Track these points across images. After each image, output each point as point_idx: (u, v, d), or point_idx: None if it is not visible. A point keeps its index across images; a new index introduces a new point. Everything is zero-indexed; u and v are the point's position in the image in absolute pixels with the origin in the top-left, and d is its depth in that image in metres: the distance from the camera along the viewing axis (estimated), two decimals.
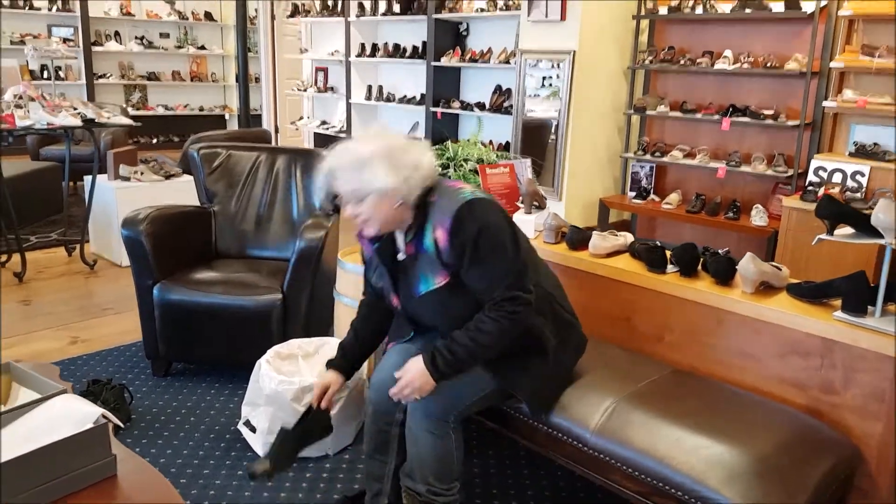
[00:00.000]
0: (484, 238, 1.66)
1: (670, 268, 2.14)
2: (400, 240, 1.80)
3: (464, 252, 1.67)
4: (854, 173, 3.91)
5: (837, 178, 3.96)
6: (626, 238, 2.35)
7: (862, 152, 3.97)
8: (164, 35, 8.94)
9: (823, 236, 1.80)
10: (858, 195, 3.83)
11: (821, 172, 4.01)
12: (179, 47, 8.95)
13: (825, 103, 4.09)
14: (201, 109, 9.18)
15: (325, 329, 3.01)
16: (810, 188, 3.93)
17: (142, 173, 4.37)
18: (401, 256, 1.81)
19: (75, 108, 3.86)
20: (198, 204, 3.28)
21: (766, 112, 4.32)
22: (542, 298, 1.79)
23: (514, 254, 1.70)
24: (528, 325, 1.75)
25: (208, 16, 9.01)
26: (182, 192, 4.17)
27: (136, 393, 2.81)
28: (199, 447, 2.48)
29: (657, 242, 2.22)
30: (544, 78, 4.78)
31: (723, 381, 1.97)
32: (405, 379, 1.72)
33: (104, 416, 1.43)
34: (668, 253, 2.17)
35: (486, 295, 1.69)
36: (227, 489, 2.25)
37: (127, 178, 4.37)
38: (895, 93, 3.86)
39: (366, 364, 2.49)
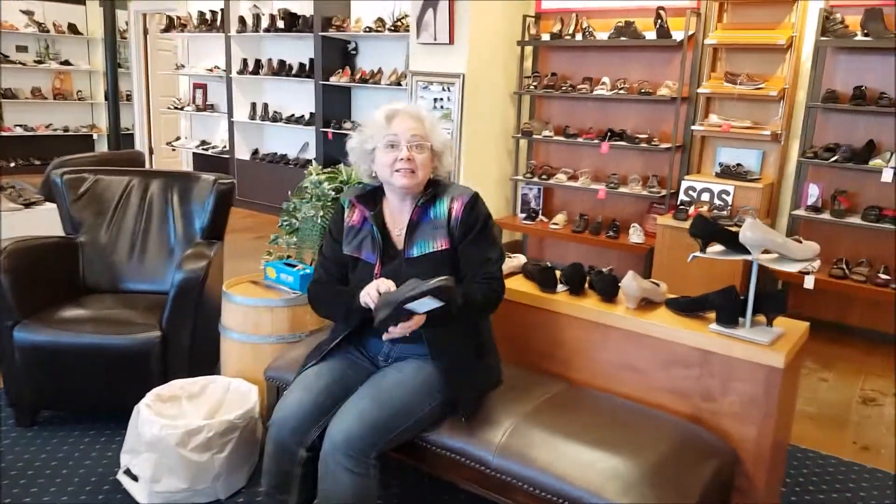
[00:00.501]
0: (489, 224, 1.93)
1: (560, 287, 2.20)
2: (407, 207, 1.93)
3: (474, 226, 1.89)
4: (720, 192, 4.22)
5: (706, 196, 4.25)
6: (520, 259, 2.40)
7: (727, 173, 4.29)
8: (22, 48, 8.24)
9: (697, 254, 1.92)
10: (725, 213, 4.13)
11: (691, 192, 4.30)
12: (40, 62, 8.28)
13: (693, 127, 4.41)
14: (66, 130, 8.52)
15: (211, 367, 2.84)
16: (682, 207, 4.20)
17: None
18: (398, 232, 1.93)
19: None
20: (63, 234, 3.03)
21: (641, 136, 4.59)
22: None
23: (500, 244, 1.99)
24: (482, 324, 1.96)
25: (73, 28, 8.40)
26: (45, 222, 3.81)
27: None
28: (75, 502, 2.26)
29: (547, 263, 2.28)
30: (436, 100, 4.84)
31: (613, 394, 2.04)
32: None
33: None
34: (557, 273, 2.23)
35: (476, 269, 1.87)
36: None
37: None
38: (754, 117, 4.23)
39: (257, 403, 2.38)
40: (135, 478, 2.28)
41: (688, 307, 2.00)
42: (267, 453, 1.89)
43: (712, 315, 1.97)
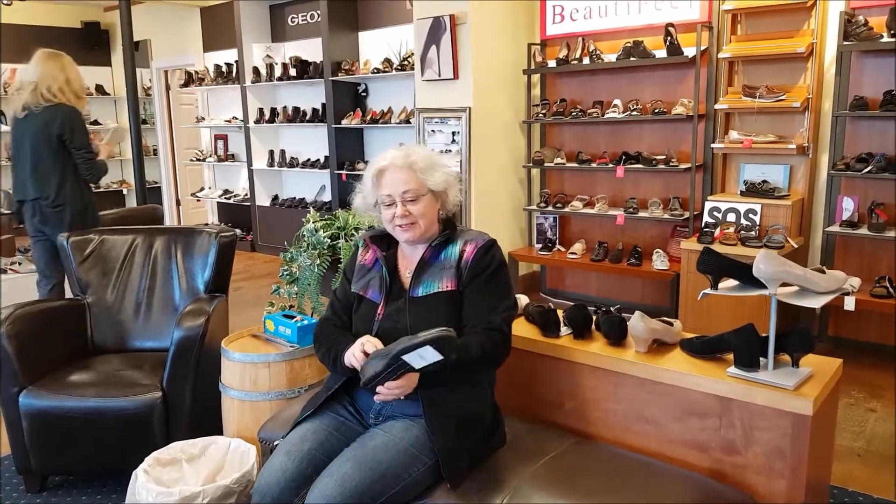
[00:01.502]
0: (502, 273, 1.84)
1: (564, 330, 2.07)
2: (418, 249, 1.88)
3: (484, 271, 1.81)
4: (747, 211, 4.03)
5: (732, 217, 4.06)
6: (521, 301, 2.27)
7: (752, 190, 4.10)
8: None
9: (708, 291, 1.77)
10: (753, 233, 3.93)
11: (715, 213, 4.11)
12: None
13: (713, 145, 4.23)
14: (97, 187, 8.71)
15: (215, 425, 2.76)
16: (706, 230, 4.01)
17: (19, 264, 4.04)
18: (408, 275, 1.87)
19: None
20: (70, 296, 3.01)
21: (658, 157, 4.43)
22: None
23: (512, 296, 1.87)
24: (482, 387, 1.83)
25: (100, 89, 8.67)
26: (65, 283, 3.86)
27: None
28: None
29: (550, 305, 2.14)
30: (454, 133, 4.76)
31: (626, 448, 1.88)
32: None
33: None
34: (560, 315, 2.09)
35: (479, 317, 1.77)
36: None
37: (4, 271, 4.02)
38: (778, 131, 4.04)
39: (255, 464, 2.28)
40: None
41: (703, 349, 1.84)
42: None
43: (731, 356, 1.81)
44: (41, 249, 3.62)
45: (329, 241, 2.58)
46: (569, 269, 5.00)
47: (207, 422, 2.70)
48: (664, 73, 4.49)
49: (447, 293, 1.80)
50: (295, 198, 6.80)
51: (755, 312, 3.69)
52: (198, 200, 7.87)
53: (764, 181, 4.13)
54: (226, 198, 7.44)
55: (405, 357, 1.57)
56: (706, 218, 4.11)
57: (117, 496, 2.60)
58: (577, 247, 4.76)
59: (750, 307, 3.72)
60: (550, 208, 4.85)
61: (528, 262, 5.12)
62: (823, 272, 1.72)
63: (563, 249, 4.85)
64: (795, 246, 3.81)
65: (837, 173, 3.82)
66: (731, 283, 1.78)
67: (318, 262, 2.56)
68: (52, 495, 2.63)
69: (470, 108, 4.60)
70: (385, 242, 1.95)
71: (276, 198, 6.97)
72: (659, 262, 4.37)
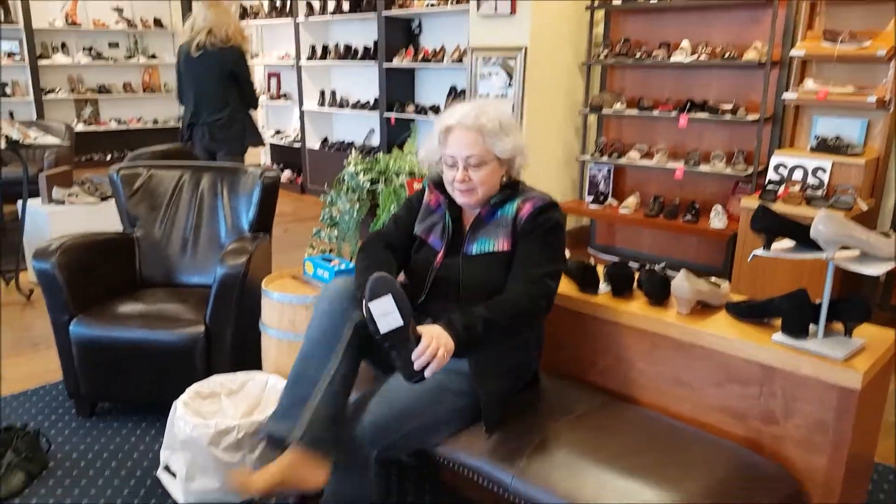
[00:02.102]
0: (556, 236, 1.75)
1: (603, 287, 1.99)
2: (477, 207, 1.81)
3: (536, 229, 1.72)
4: (815, 169, 3.78)
5: (798, 174, 3.82)
6: None
7: (823, 146, 3.84)
8: (114, 45, 8.59)
9: (759, 252, 1.65)
10: (819, 193, 3.70)
11: (781, 170, 3.87)
12: (130, 57, 8.62)
13: (785, 95, 3.95)
14: (155, 122, 8.85)
15: (255, 362, 2.82)
16: (770, 187, 3.79)
17: (76, 196, 4.16)
18: (468, 222, 1.81)
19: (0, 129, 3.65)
20: (121, 229, 3.08)
21: (725, 106, 4.18)
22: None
23: (563, 260, 1.82)
24: (526, 340, 1.78)
25: (157, 23, 8.68)
26: (117, 216, 3.97)
27: (58, 436, 2.61)
28: (118, 496, 2.29)
29: (591, 261, 2.06)
30: (510, 76, 4.59)
31: (658, 411, 1.82)
32: (428, 338, 1.49)
33: None
34: (600, 271, 2.01)
35: (524, 275, 1.69)
36: None
37: (61, 202, 4.16)
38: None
39: None
40: (173, 474, 2.28)
41: (749, 313, 1.74)
42: (314, 322, 1.81)
43: (779, 323, 1.71)
44: None
45: (369, 184, 2.54)
46: (620, 224, 4.83)
47: (247, 358, 2.76)
48: (738, 14, 4.18)
49: (501, 254, 1.75)
50: (344, 141, 6.76)
51: (814, 278, 3.50)
52: None
53: (837, 137, 3.85)
54: (278, 139, 7.47)
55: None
56: (770, 175, 3.88)
57: (161, 425, 2.70)
58: (631, 200, 4.58)
59: (809, 272, 3.52)
60: (605, 158, 4.66)
61: (578, 216, 4.97)
62: (888, 236, 1.58)
63: (615, 203, 4.68)
64: (865, 208, 3.56)
65: None
66: (787, 244, 1.66)
67: (358, 206, 2.53)
68: (101, 420, 2.76)
69: (526, 48, 4.42)
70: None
71: (325, 140, 6.95)
72: (717, 220, 4.17)
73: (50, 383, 3.04)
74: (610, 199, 4.71)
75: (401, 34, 5.98)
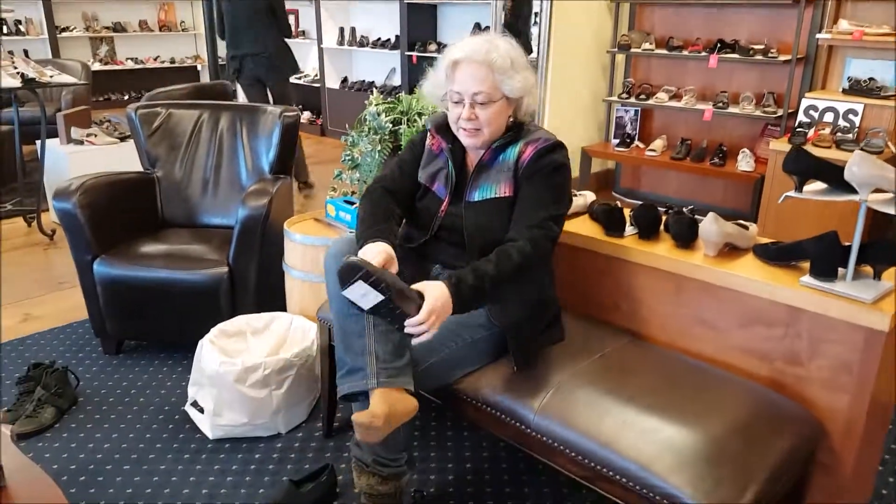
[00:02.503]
0: (559, 174, 1.69)
1: (629, 230, 1.97)
2: (480, 149, 1.76)
3: (538, 171, 1.68)
4: (846, 112, 3.68)
5: (829, 117, 3.72)
6: (587, 198, 2.17)
7: (856, 88, 3.72)
8: None
9: (791, 193, 1.62)
10: (850, 136, 3.60)
11: (811, 112, 3.77)
12: None
13: (819, 35, 3.82)
14: (172, 61, 8.73)
15: (279, 302, 2.85)
16: (800, 129, 3.70)
17: (95, 136, 4.16)
18: (471, 167, 1.77)
19: (16, 67, 3.63)
20: (141, 169, 3.09)
21: (756, 47, 4.05)
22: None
23: (566, 202, 1.76)
24: (539, 278, 1.75)
25: None
26: (135, 157, 3.97)
27: (85, 373, 2.69)
28: (147, 430, 2.36)
29: (616, 203, 2.03)
30: (536, 14, 4.45)
31: (681, 352, 1.82)
32: (429, 306, 1.48)
33: None
34: (627, 214, 1.99)
35: (526, 217, 1.66)
36: (172, 475, 2.15)
37: (80, 142, 4.16)
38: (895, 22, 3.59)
39: (315, 341, 2.35)
40: (201, 410, 2.35)
41: (778, 255, 1.72)
42: (330, 280, 1.75)
43: (806, 266, 1.68)
44: (255, 92, 4.84)
45: (391, 125, 2.50)
46: (646, 167, 4.76)
47: (271, 298, 2.79)
48: None
49: (503, 199, 1.71)
50: (364, 81, 6.65)
51: (842, 222, 3.44)
52: None
53: (871, 79, 3.73)
54: (296, 78, 7.36)
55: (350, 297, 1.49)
56: (801, 117, 3.78)
57: (188, 362, 2.76)
58: (658, 143, 4.50)
59: (838, 215, 3.45)
60: (633, 100, 4.56)
61: (603, 159, 4.90)
62: None
63: (641, 146, 4.60)
64: (893, 148, 3.48)
65: None
66: (819, 186, 1.62)
67: (380, 147, 2.50)
68: (128, 357, 2.82)
69: None
70: (452, 134, 1.81)
71: (345, 80, 6.84)
72: (744, 163, 4.09)
73: (76, 321, 3.11)
74: (636, 142, 4.63)
75: None
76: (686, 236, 1.84)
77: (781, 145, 3.67)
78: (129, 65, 8.44)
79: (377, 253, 1.56)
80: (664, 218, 1.96)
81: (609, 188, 5.07)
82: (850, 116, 3.66)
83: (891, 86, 3.70)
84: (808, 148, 3.55)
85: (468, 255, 1.72)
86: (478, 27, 5.52)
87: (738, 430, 1.47)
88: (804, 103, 3.79)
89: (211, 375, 2.25)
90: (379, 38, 6.36)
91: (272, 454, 2.24)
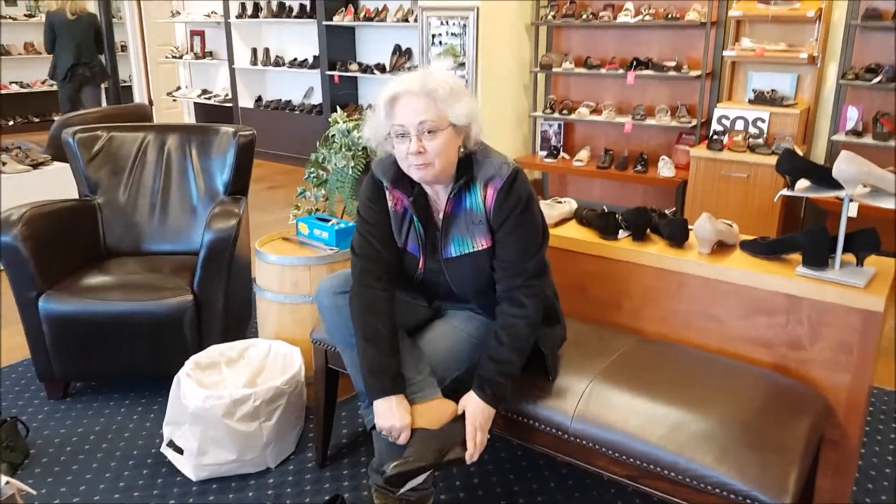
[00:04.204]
0: (529, 208, 1.64)
1: (622, 233, 2.05)
2: (441, 195, 1.69)
3: (509, 216, 1.62)
4: (755, 120, 4.02)
5: (740, 125, 4.05)
6: (571, 205, 2.24)
7: (760, 99, 4.09)
8: (11, 2, 7.88)
9: (785, 192, 1.76)
10: (760, 140, 3.95)
11: (724, 121, 4.09)
12: (30, 15, 7.90)
13: (725, 52, 4.16)
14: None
15: (243, 329, 2.73)
16: (716, 137, 4.01)
17: (3, 163, 3.81)
18: (439, 216, 1.70)
19: None
20: (77, 196, 2.86)
21: (669, 64, 4.35)
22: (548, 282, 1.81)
23: (544, 231, 1.72)
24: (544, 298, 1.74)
25: None
26: (55, 183, 3.67)
27: (31, 421, 2.43)
28: (119, 479, 2.17)
29: (603, 207, 2.12)
30: (459, 35, 4.55)
31: (688, 345, 1.91)
32: (473, 426, 1.58)
33: None
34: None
35: (513, 267, 1.63)
36: None
37: None
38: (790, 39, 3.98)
39: (302, 366, 2.27)
40: (179, 450, 2.19)
41: (769, 249, 1.85)
42: (330, 319, 1.78)
43: (794, 257, 1.83)
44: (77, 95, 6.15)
45: (363, 141, 2.47)
46: (572, 176, 4.98)
47: (236, 325, 2.67)
48: None
49: (482, 252, 1.66)
50: (280, 100, 6.52)
51: (761, 217, 3.76)
52: (174, 100, 7.48)
53: (772, 90, 4.11)
54: (205, 98, 7.09)
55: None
56: (714, 126, 4.10)
57: (146, 401, 2.57)
58: (583, 154, 4.72)
59: (756, 212, 3.79)
60: (556, 115, 4.76)
61: (531, 170, 5.07)
62: None
63: (567, 157, 4.81)
64: (800, 154, 3.84)
65: (846, 83, 3.82)
66: (804, 184, 1.77)
67: (353, 163, 2.46)
68: (77, 401, 2.59)
69: (478, 8, 4.39)
70: (408, 183, 1.67)
71: (259, 99, 6.67)
72: (665, 169, 4.37)
73: (10, 364, 2.82)
74: (562, 154, 4.82)
75: None
76: (680, 236, 1.95)
77: (701, 151, 3.96)
78: (14, 88, 7.82)
79: (400, 415, 1.59)
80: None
81: (539, 196, 5.26)
82: (759, 124, 4.01)
83: (790, 95, 4.09)
84: (726, 153, 3.87)
85: (462, 300, 1.77)
86: (398, 49, 5.56)
87: (765, 415, 1.56)
88: (717, 113, 4.11)
89: (194, 412, 2.10)
90: (295, 59, 6.27)
91: (266, 490, 2.13)
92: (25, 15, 7.95)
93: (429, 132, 1.55)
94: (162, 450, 2.24)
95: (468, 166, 1.64)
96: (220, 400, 2.08)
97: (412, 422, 1.59)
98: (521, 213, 1.62)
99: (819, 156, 4.14)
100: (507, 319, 1.63)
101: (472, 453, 1.58)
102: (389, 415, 1.59)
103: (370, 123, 1.68)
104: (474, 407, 1.59)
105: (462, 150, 1.64)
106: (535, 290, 1.65)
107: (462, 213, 1.66)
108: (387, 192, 1.72)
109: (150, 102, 7.44)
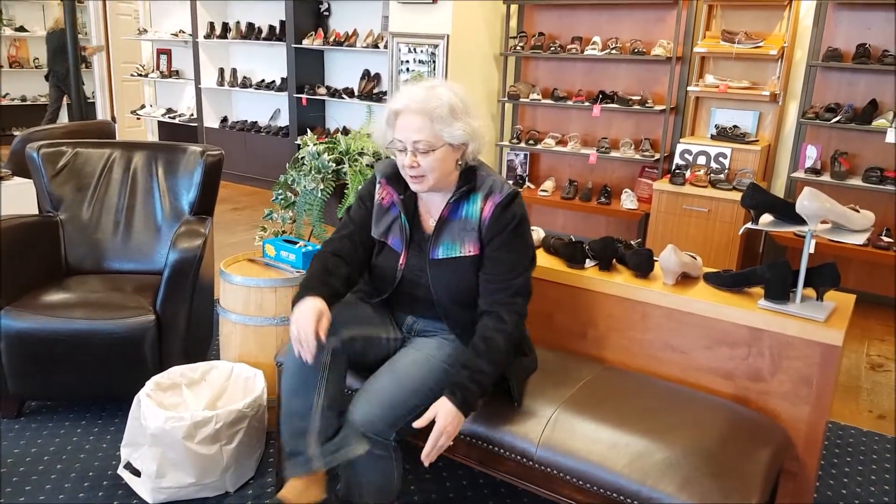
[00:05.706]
0: (521, 227, 1.72)
1: (588, 262, 2.09)
2: (437, 201, 1.76)
3: (502, 231, 1.69)
4: (717, 155, 4.14)
5: (702, 160, 4.17)
6: (538, 233, 2.27)
7: (723, 135, 4.22)
8: None
9: (750, 225, 1.81)
10: (722, 176, 4.06)
11: (686, 155, 4.21)
12: None
13: (690, 88, 4.29)
14: (24, 99, 8.08)
15: (204, 351, 2.67)
16: (678, 171, 4.11)
17: None
18: (432, 222, 1.76)
19: None
20: (38, 212, 2.79)
21: (634, 98, 4.46)
22: None
23: (532, 252, 1.78)
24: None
25: None
26: (16, 199, 3.56)
27: None
28: (74, 499, 2.10)
29: (571, 237, 2.15)
30: (426, 62, 4.62)
31: (651, 375, 1.94)
32: (440, 427, 1.56)
33: None
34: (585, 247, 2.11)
35: (499, 282, 1.68)
36: None
37: None
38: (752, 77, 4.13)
39: (265, 389, 2.24)
40: (137, 472, 2.13)
41: (733, 282, 1.90)
42: (285, 372, 1.79)
43: (756, 290, 1.88)
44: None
45: (334, 164, 2.48)
46: (537, 206, 5.03)
47: (197, 347, 2.62)
48: (645, 13, 4.48)
49: (469, 258, 1.71)
50: (247, 121, 6.48)
51: (720, 251, 3.86)
52: (137, 118, 7.38)
53: (735, 126, 4.25)
54: (169, 117, 7.01)
55: None
56: (677, 160, 4.21)
57: (103, 422, 2.50)
58: (548, 184, 4.79)
59: (715, 246, 3.88)
60: (522, 144, 4.83)
61: None
62: (857, 211, 1.79)
63: (532, 186, 4.87)
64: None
65: (807, 121, 3.96)
66: (768, 218, 1.83)
67: (322, 186, 2.46)
68: (31, 421, 2.50)
69: (448, 36, 4.46)
70: (403, 183, 1.77)
71: (224, 119, 6.62)
72: (628, 201, 4.46)
73: None
74: (528, 183, 4.89)
75: (309, 16, 5.84)
76: (646, 268, 1.99)
77: (663, 185, 4.06)
78: None
79: (305, 311, 1.62)
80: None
81: None
82: (721, 159, 4.14)
83: (751, 132, 4.23)
84: (688, 188, 3.97)
85: (438, 309, 1.76)
86: (367, 73, 5.60)
87: (727, 444, 1.60)
88: (679, 147, 4.23)
89: (154, 433, 2.05)
90: (263, 80, 6.26)
91: None
92: None
93: (423, 151, 1.64)
94: (119, 472, 2.18)
95: (472, 177, 1.73)
96: (181, 422, 2.03)
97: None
98: (514, 229, 1.70)
99: (779, 192, 4.27)
100: (486, 332, 1.65)
101: (428, 452, 1.56)
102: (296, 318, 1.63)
103: (377, 129, 1.78)
104: (443, 409, 1.57)
105: (460, 164, 1.72)
106: (518, 307, 1.69)
107: (457, 219, 1.73)
108: (378, 186, 1.83)
109: (114, 119, 7.34)
